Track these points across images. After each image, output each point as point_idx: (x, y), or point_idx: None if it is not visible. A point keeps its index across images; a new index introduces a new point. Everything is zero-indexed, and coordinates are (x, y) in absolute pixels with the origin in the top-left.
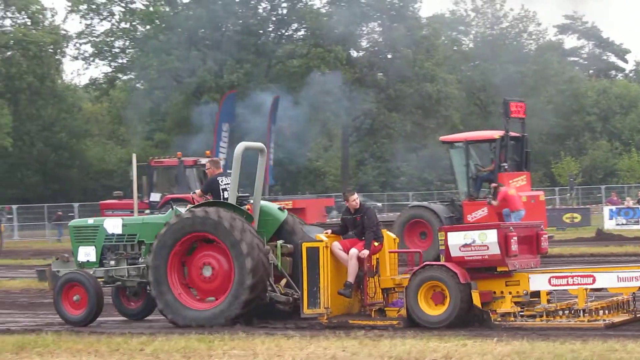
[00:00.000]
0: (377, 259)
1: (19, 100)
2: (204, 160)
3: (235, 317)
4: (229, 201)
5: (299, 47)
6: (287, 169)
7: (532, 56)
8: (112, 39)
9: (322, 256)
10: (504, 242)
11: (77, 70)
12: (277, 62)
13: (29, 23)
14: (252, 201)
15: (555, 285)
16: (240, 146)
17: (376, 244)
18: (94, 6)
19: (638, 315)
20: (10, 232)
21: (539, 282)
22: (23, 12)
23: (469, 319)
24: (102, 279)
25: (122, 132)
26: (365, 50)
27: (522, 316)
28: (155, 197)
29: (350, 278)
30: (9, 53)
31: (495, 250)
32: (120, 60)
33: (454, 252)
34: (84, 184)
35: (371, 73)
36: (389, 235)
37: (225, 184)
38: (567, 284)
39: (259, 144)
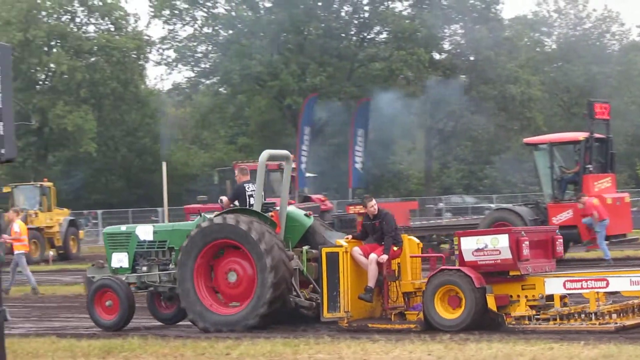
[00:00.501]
0: (399, 263)
1: (103, 105)
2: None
3: (262, 317)
4: (254, 208)
5: (382, 50)
6: (371, 172)
7: (615, 57)
8: (195, 44)
9: (342, 261)
10: (515, 246)
11: (161, 76)
12: (360, 66)
13: (112, 29)
14: (278, 208)
15: (570, 288)
16: (264, 154)
17: (395, 248)
18: (176, 11)
19: None
20: (96, 237)
21: (554, 285)
22: (106, 18)
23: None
24: (135, 285)
25: (205, 137)
26: (448, 52)
27: (537, 319)
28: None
29: (371, 283)
30: (92, 59)
31: (507, 254)
32: (203, 65)
33: (467, 257)
34: (168, 188)
35: (454, 75)
36: (412, 240)
37: (251, 191)
38: (582, 288)
39: (284, 152)
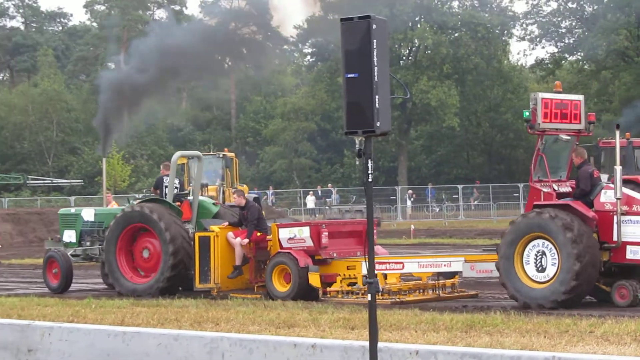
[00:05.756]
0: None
1: (466, 81)
2: None
3: (162, 289)
4: (167, 198)
5: None
6: None
7: None
8: (559, 19)
9: (213, 243)
10: (316, 236)
11: (523, 51)
12: None
13: (476, 4)
14: (189, 198)
15: (379, 270)
16: (176, 155)
17: (259, 234)
18: None
19: (441, 295)
20: (456, 212)
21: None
22: None
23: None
24: (81, 256)
25: None
26: None
27: (351, 294)
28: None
29: (237, 261)
30: (456, 34)
31: (309, 242)
32: (566, 41)
33: (284, 244)
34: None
35: None
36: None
37: (168, 182)
38: (387, 269)
39: (195, 152)
